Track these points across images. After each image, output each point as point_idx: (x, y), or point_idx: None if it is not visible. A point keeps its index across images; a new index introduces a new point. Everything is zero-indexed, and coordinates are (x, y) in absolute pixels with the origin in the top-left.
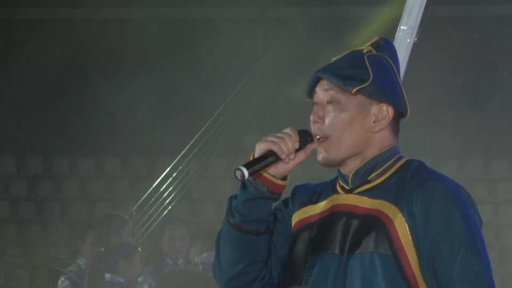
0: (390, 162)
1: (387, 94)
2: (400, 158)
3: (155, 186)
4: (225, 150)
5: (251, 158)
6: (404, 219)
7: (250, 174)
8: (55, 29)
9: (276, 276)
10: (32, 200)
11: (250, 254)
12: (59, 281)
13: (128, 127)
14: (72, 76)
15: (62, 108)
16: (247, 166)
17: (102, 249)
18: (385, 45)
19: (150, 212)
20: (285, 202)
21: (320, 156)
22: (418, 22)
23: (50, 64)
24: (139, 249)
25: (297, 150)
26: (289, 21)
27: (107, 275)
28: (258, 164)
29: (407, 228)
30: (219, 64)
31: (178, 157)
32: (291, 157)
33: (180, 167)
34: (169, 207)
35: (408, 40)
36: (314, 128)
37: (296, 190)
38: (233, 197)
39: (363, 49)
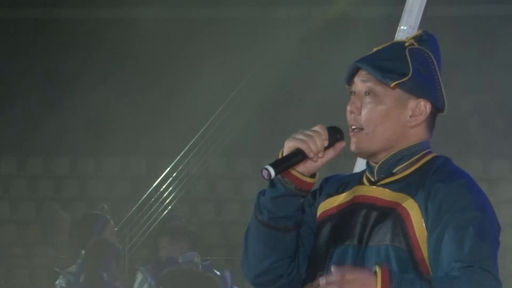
0: (417, 156)
1: (425, 90)
2: (428, 153)
3: (155, 186)
4: (225, 150)
5: (280, 156)
6: (420, 213)
7: (276, 174)
8: (63, 30)
9: (303, 271)
10: (33, 200)
11: (277, 250)
12: (57, 282)
13: (128, 127)
14: (72, 76)
15: (62, 108)
16: (274, 165)
17: (83, 251)
18: (428, 39)
19: (150, 212)
20: (314, 194)
21: (353, 146)
22: (418, 22)
23: (52, 64)
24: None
25: (326, 148)
26: (290, 21)
27: (105, 275)
28: (285, 163)
29: (423, 222)
30: (219, 64)
31: (178, 157)
32: (320, 155)
33: (180, 167)
34: (169, 207)
35: None
36: (349, 118)
37: (324, 181)
38: (261, 194)
39: (405, 42)
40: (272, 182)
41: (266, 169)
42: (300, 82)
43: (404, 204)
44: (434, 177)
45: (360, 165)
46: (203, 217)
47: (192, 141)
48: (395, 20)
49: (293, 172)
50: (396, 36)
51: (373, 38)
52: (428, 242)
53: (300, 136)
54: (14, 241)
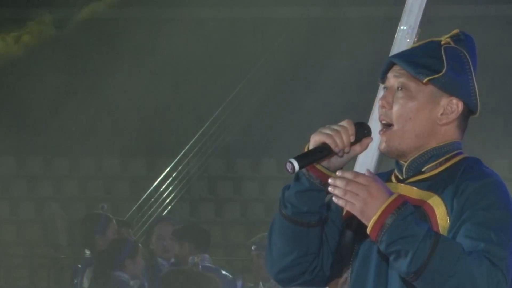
0: (447, 156)
1: (458, 88)
2: (459, 154)
3: (155, 186)
4: (224, 150)
5: (305, 150)
6: (446, 210)
7: (301, 168)
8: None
9: (327, 268)
10: (32, 200)
11: (301, 246)
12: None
13: (128, 127)
14: (76, 77)
15: (64, 109)
16: (298, 159)
17: (87, 251)
18: (465, 39)
19: (150, 212)
20: None
21: (383, 145)
22: (418, 22)
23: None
24: (140, 245)
25: (352, 144)
26: (289, 21)
27: (120, 274)
28: (309, 157)
29: (448, 220)
30: (218, 64)
31: (178, 157)
32: (346, 150)
33: (180, 167)
34: (169, 207)
35: (408, 40)
36: (380, 113)
37: None
38: (286, 188)
39: (441, 40)
40: (297, 176)
41: (290, 162)
42: (299, 82)
43: (430, 201)
44: (462, 176)
45: (361, 164)
46: (202, 217)
47: (192, 141)
48: (395, 20)
49: (318, 166)
50: (396, 36)
51: (372, 38)
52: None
53: (327, 131)
54: (14, 241)
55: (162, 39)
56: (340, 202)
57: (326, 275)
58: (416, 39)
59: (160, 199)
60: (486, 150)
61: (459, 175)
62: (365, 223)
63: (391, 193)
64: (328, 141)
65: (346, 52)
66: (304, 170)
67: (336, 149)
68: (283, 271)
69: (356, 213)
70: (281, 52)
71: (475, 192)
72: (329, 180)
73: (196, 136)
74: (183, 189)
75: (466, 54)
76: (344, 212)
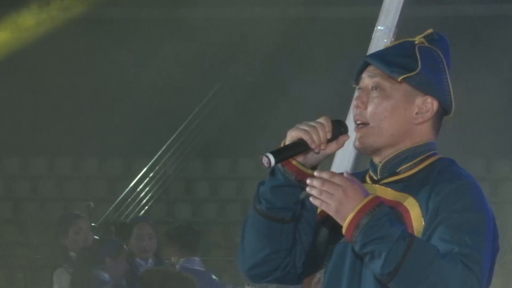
0: (422, 157)
1: (433, 87)
2: (434, 154)
3: (132, 186)
4: (201, 151)
5: (282, 145)
6: (421, 212)
7: (277, 162)
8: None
9: (300, 266)
10: (10, 200)
11: (274, 241)
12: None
13: (106, 128)
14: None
15: (38, 108)
16: (275, 153)
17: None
18: (438, 39)
19: (127, 212)
20: None
21: (357, 142)
22: (395, 22)
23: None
24: (125, 246)
25: (329, 141)
26: (264, 20)
27: (103, 275)
28: (286, 152)
29: (422, 221)
30: (195, 64)
31: (155, 158)
32: (322, 147)
33: (157, 168)
34: (146, 207)
35: (385, 40)
36: (355, 113)
37: None
38: (261, 184)
39: (415, 40)
40: (272, 172)
41: (267, 156)
42: (276, 82)
43: (405, 203)
44: (437, 177)
45: (338, 165)
46: (179, 217)
47: (169, 142)
48: (372, 20)
49: (294, 162)
50: (373, 36)
51: (349, 38)
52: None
53: (304, 127)
54: (16, 241)
55: (143, 40)
56: (316, 202)
57: (299, 273)
58: (393, 39)
59: (137, 200)
60: (461, 150)
61: (434, 176)
62: (340, 223)
63: (367, 194)
64: (305, 137)
65: (324, 53)
66: (279, 165)
67: (312, 145)
68: (255, 267)
69: (331, 213)
70: (258, 52)
71: (450, 193)
72: (307, 181)
73: (173, 136)
74: (160, 190)
75: (440, 54)
76: (319, 211)
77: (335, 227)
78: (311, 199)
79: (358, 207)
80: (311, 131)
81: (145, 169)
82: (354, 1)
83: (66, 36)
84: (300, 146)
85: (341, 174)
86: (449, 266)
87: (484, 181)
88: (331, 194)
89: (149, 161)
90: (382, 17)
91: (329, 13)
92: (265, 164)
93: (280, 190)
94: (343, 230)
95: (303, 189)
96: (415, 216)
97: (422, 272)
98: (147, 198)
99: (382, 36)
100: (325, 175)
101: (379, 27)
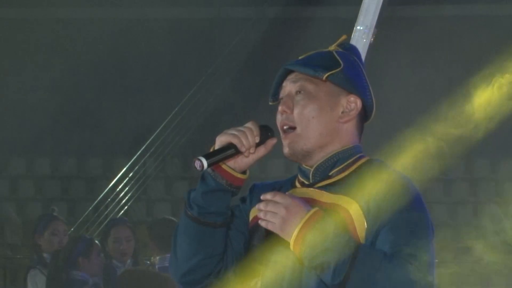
0: (352, 159)
1: (356, 85)
2: (362, 157)
3: (111, 186)
4: (181, 150)
5: (212, 150)
6: (361, 212)
7: (209, 165)
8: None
9: (231, 271)
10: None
11: (207, 247)
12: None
13: (84, 127)
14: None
15: (18, 106)
16: (207, 157)
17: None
18: (350, 47)
19: (106, 212)
20: (243, 199)
21: (287, 149)
22: (375, 22)
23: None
24: (96, 241)
25: (257, 145)
26: (246, 21)
27: (78, 273)
28: (217, 156)
29: (363, 217)
30: (175, 64)
31: (134, 157)
32: (251, 151)
33: (137, 167)
34: (125, 207)
35: (364, 40)
36: (281, 118)
37: (255, 187)
38: (192, 190)
39: (329, 49)
40: (203, 177)
41: (199, 159)
42: (256, 82)
43: (343, 204)
44: (374, 178)
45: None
46: (159, 217)
47: (148, 141)
48: (351, 21)
49: (224, 167)
50: (352, 36)
51: (329, 38)
52: (365, 238)
53: (233, 131)
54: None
55: (126, 39)
56: (263, 224)
57: (231, 278)
58: (372, 39)
59: (117, 199)
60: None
61: (369, 178)
62: (287, 240)
63: (309, 208)
64: (234, 141)
65: (302, 53)
66: (209, 170)
67: (242, 149)
68: (188, 273)
69: (277, 231)
70: (238, 52)
71: (390, 194)
72: (256, 206)
73: (153, 136)
74: (139, 189)
75: (356, 59)
76: (251, 219)
77: (269, 233)
78: (259, 222)
79: (302, 222)
80: (240, 135)
81: (124, 169)
82: (335, 1)
83: None
84: (230, 150)
85: (282, 193)
86: (398, 269)
87: (489, 181)
88: (275, 213)
89: (129, 161)
90: (361, 17)
91: (310, 13)
92: (198, 168)
93: (212, 194)
94: (291, 247)
95: (234, 193)
96: (355, 215)
97: (370, 279)
98: (126, 198)
99: (361, 36)
100: (268, 196)
101: (358, 27)
